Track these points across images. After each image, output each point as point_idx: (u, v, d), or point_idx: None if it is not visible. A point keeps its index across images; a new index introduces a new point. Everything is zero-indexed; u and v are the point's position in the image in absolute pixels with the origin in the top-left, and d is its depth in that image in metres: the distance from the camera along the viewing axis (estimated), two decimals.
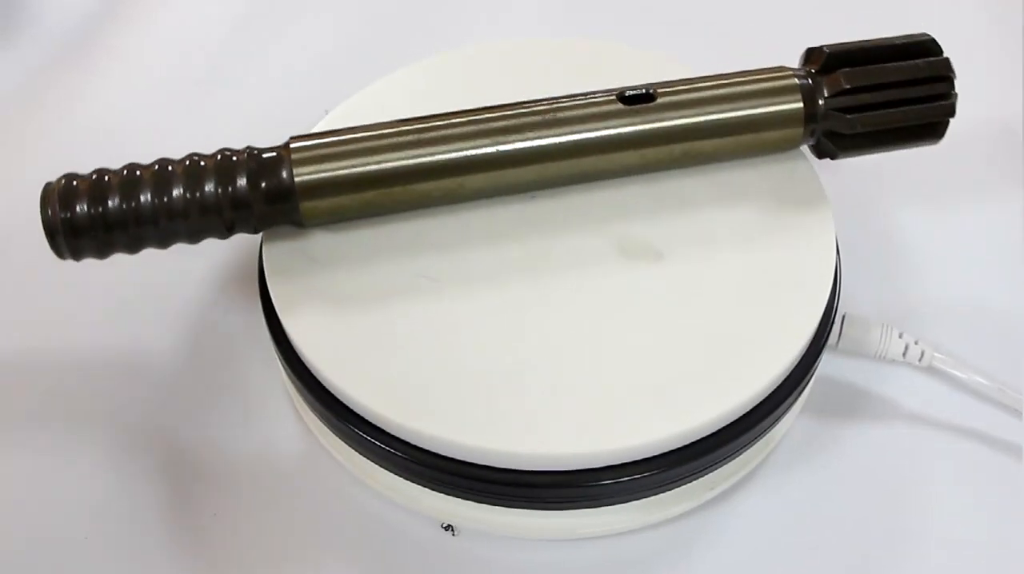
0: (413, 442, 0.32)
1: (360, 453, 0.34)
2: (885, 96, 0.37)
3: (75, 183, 0.34)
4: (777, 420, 0.35)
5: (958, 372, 0.39)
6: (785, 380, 0.34)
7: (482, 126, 0.35)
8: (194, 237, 0.35)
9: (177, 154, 0.49)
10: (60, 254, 0.34)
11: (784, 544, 0.36)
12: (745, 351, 0.34)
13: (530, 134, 0.36)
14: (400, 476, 0.34)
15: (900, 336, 0.39)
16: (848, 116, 0.37)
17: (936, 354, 0.39)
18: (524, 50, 0.45)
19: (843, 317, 0.39)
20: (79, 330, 0.42)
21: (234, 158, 0.35)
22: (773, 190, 0.38)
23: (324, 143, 0.35)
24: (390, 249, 0.36)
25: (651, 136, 0.36)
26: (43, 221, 0.33)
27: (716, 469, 0.34)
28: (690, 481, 0.34)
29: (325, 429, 0.35)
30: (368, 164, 0.35)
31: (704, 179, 0.38)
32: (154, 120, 0.52)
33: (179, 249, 0.45)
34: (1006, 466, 0.38)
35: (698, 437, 0.32)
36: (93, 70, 0.55)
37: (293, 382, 0.35)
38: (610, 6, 0.58)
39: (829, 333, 0.36)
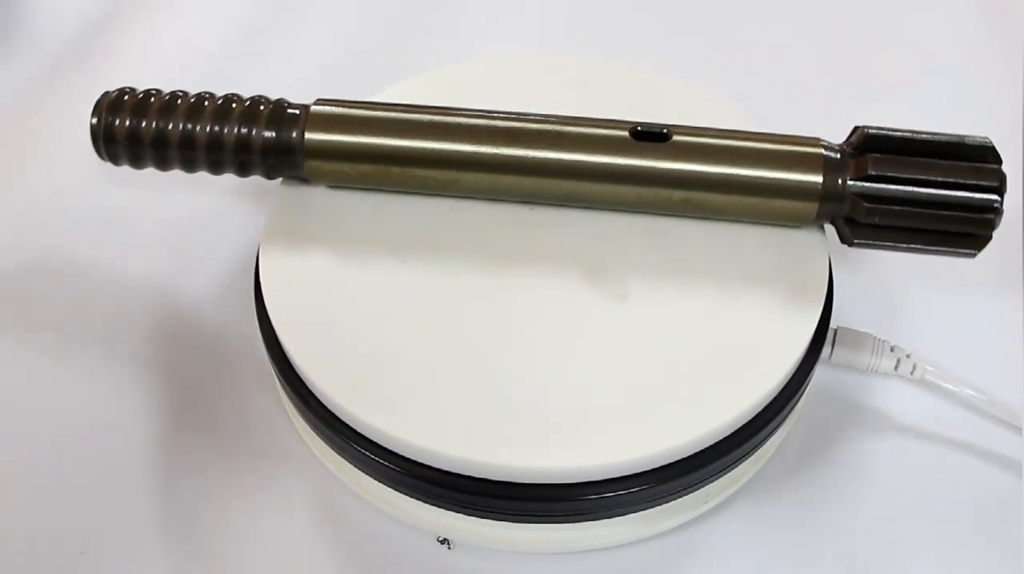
0: (407, 455, 0.32)
1: (355, 466, 0.34)
2: (916, 193, 0.34)
3: (125, 97, 0.38)
4: (771, 434, 0.35)
5: (949, 385, 0.39)
6: (779, 394, 0.34)
7: (488, 128, 0.36)
8: (214, 168, 0.38)
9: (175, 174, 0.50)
10: (100, 156, 0.38)
11: (778, 557, 0.36)
12: (739, 365, 0.34)
13: (532, 146, 0.36)
14: (395, 489, 0.34)
15: (892, 350, 0.39)
16: (866, 204, 0.34)
17: (928, 367, 0.39)
18: (535, 65, 0.45)
19: (835, 331, 0.39)
20: (69, 344, 0.42)
21: (261, 107, 0.37)
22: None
23: (341, 111, 0.37)
24: (389, 243, 0.37)
25: (652, 176, 0.35)
26: (90, 124, 0.38)
27: (710, 482, 0.34)
28: (684, 494, 0.34)
29: (320, 443, 0.35)
30: (372, 140, 0.36)
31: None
32: None
33: (174, 255, 0.45)
34: (998, 478, 0.38)
35: (693, 451, 0.33)
36: (94, 75, 0.54)
37: (287, 393, 0.35)
38: (616, 17, 0.58)
39: (821, 347, 0.36)
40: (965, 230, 0.35)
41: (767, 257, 0.36)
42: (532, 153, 0.36)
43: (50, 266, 0.45)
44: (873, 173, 0.34)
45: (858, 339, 0.39)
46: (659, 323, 0.35)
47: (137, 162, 0.38)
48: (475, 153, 0.36)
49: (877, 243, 0.36)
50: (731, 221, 0.37)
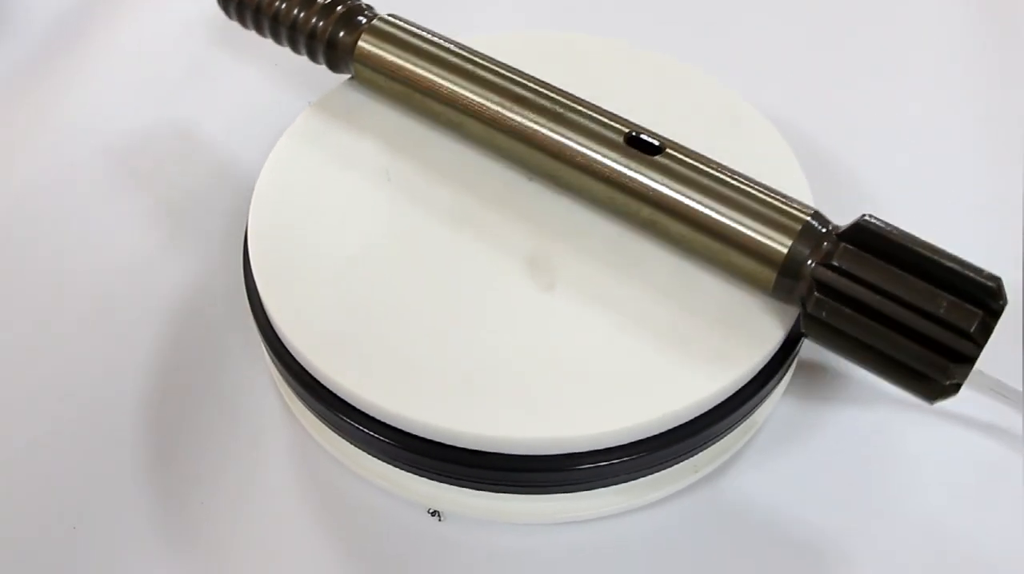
0: (396, 426, 0.32)
1: (345, 438, 0.34)
2: (872, 302, 0.30)
3: None
4: (760, 403, 0.35)
5: None
6: (767, 363, 0.34)
7: (502, 86, 0.37)
8: (293, 47, 0.42)
9: (163, 150, 0.50)
10: (226, 12, 0.44)
11: (768, 526, 0.36)
12: (729, 334, 0.34)
13: (531, 116, 0.36)
14: (385, 461, 0.34)
15: None
16: (817, 294, 0.31)
17: None
18: (522, 42, 0.45)
19: None
20: (61, 324, 0.42)
21: (339, 7, 0.41)
22: (747, 170, 0.39)
23: (396, 32, 0.40)
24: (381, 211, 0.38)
25: (625, 185, 0.35)
26: None
27: (700, 452, 0.34)
28: (674, 464, 0.34)
29: (310, 415, 0.36)
30: (406, 65, 0.39)
31: None
32: (139, 115, 0.52)
33: (163, 237, 0.45)
34: (987, 448, 0.38)
35: (682, 421, 0.33)
36: (77, 66, 0.54)
37: (277, 367, 0.35)
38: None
39: None
40: (918, 367, 0.30)
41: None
42: (527, 123, 0.37)
43: (37, 245, 0.45)
44: (836, 264, 0.31)
45: None
46: (647, 293, 0.35)
47: (244, 22, 0.43)
48: (480, 104, 0.37)
49: (827, 344, 0.32)
50: (695, 256, 0.35)
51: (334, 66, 0.42)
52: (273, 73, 0.54)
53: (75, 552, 0.35)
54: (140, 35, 0.57)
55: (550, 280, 0.35)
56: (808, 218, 0.32)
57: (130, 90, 0.53)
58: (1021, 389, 0.38)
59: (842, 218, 0.45)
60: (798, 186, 0.38)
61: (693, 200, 0.33)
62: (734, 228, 0.33)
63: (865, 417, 0.39)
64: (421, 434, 0.32)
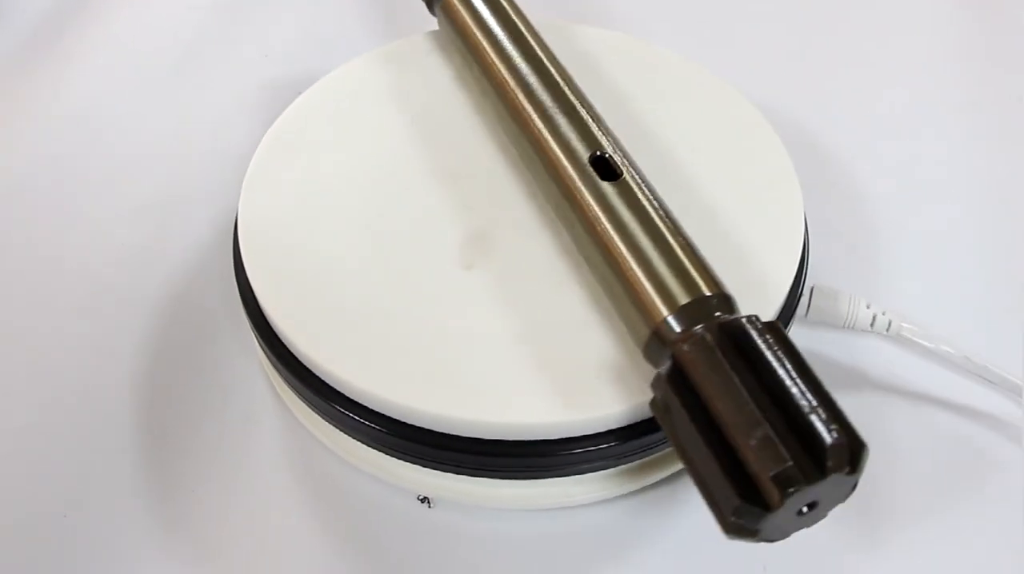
0: (385, 413, 0.32)
1: (335, 426, 0.34)
2: (700, 406, 0.27)
3: None
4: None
5: (925, 341, 0.39)
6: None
7: (523, 75, 0.38)
8: None
9: (154, 137, 0.50)
10: None
11: None
12: None
13: (527, 105, 0.37)
14: (374, 448, 0.34)
15: (868, 306, 0.40)
16: (658, 370, 0.29)
17: (904, 324, 0.40)
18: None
19: (812, 288, 0.39)
20: (54, 313, 0.42)
21: None
22: (740, 164, 0.39)
23: None
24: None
25: (572, 197, 0.34)
26: None
27: None
28: (662, 450, 0.34)
29: (301, 404, 0.36)
30: (466, 26, 0.41)
31: (664, 153, 0.39)
32: (130, 106, 0.52)
33: (155, 227, 0.45)
34: (973, 433, 0.38)
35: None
36: (67, 57, 0.54)
37: (268, 356, 0.36)
38: None
39: (798, 304, 0.37)
40: (711, 490, 0.27)
41: (733, 157, 0.38)
42: (522, 110, 0.37)
43: (30, 235, 0.46)
44: (686, 349, 0.28)
45: (834, 296, 0.39)
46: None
47: None
48: (500, 82, 0.39)
49: (664, 428, 0.29)
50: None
51: (431, 9, 0.44)
52: (262, 64, 0.54)
53: (67, 539, 0.35)
54: (132, 27, 0.57)
55: (470, 262, 0.35)
56: (706, 294, 0.30)
57: (120, 81, 0.53)
58: (1015, 378, 0.38)
59: (835, 211, 0.45)
60: (786, 175, 0.38)
61: (618, 234, 0.32)
62: (636, 275, 0.31)
63: (850, 401, 0.39)
64: (408, 421, 0.32)
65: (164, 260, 0.44)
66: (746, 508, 0.25)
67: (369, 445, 0.34)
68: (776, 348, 0.27)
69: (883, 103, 0.52)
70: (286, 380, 0.35)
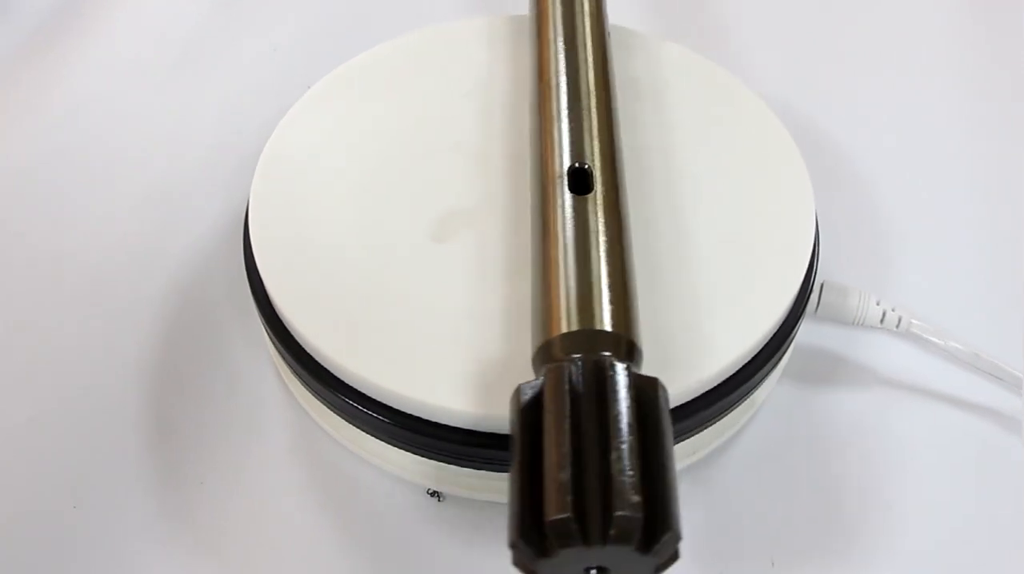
0: (394, 405, 0.32)
1: (344, 418, 0.34)
2: (535, 435, 0.26)
3: None
4: (757, 385, 0.35)
5: (934, 338, 0.39)
6: (765, 345, 0.34)
7: (561, 67, 0.38)
8: None
9: (162, 130, 0.50)
10: None
11: (764, 506, 0.36)
12: (727, 317, 0.34)
13: (543, 95, 0.37)
14: (383, 440, 0.34)
15: (877, 303, 0.40)
16: (520, 385, 0.28)
17: (913, 320, 0.40)
18: (512, 26, 0.45)
19: (822, 284, 0.39)
20: (61, 306, 0.42)
21: None
22: (751, 160, 0.39)
23: None
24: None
25: (539, 195, 0.34)
26: None
27: (698, 433, 0.35)
28: (673, 445, 0.34)
29: (310, 397, 0.36)
30: (542, 13, 0.41)
31: (675, 149, 0.39)
32: (137, 99, 0.52)
33: (163, 220, 0.45)
34: (981, 429, 0.38)
35: (680, 402, 0.33)
36: (72, 50, 0.54)
37: (277, 349, 0.36)
38: None
39: (808, 300, 0.37)
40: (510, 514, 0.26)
41: (743, 155, 0.38)
42: (543, 105, 0.37)
43: (39, 228, 0.45)
44: (543, 375, 0.28)
45: (844, 292, 0.39)
46: (649, 276, 0.35)
47: None
48: (539, 75, 0.38)
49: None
50: None
51: None
52: (273, 57, 0.54)
53: (76, 529, 0.35)
54: (139, 20, 0.57)
55: (441, 235, 0.35)
56: (598, 328, 0.29)
57: (127, 75, 0.53)
58: (1019, 372, 0.38)
59: (846, 208, 0.45)
60: (796, 171, 0.38)
61: (558, 245, 0.32)
62: (553, 289, 0.31)
63: (862, 400, 0.39)
64: (418, 413, 0.32)
65: (172, 253, 0.44)
66: (523, 544, 0.24)
67: (378, 437, 0.34)
68: (627, 405, 0.26)
69: (894, 100, 0.52)
70: (294, 371, 0.35)
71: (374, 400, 0.33)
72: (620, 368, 0.27)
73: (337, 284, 0.35)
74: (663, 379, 0.32)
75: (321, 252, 0.36)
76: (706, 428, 0.35)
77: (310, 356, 0.34)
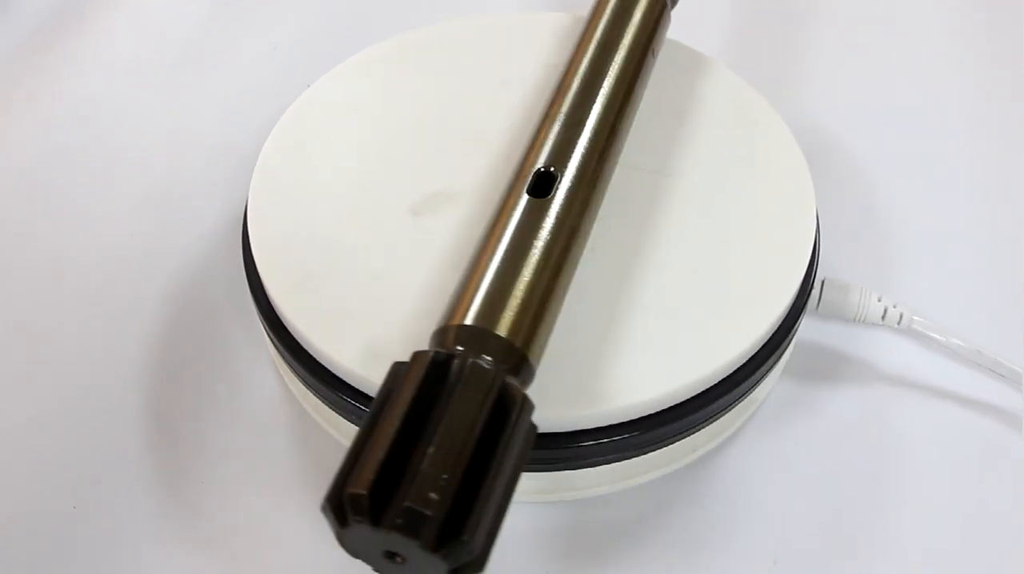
0: None
1: (343, 416, 0.34)
2: (384, 409, 0.27)
3: None
4: (759, 382, 0.35)
5: (936, 334, 0.39)
6: (766, 342, 0.34)
7: (573, 66, 0.38)
8: None
9: (162, 130, 0.50)
10: None
11: (765, 504, 0.36)
12: (727, 314, 0.34)
13: (551, 101, 0.37)
14: None
15: (879, 299, 0.39)
16: (397, 362, 0.28)
17: (914, 317, 0.40)
18: (510, 24, 0.45)
19: (823, 281, 0.39)
20: (62, 306, 0.42)
21: None
22: (752, 158, 0.39)
23: None
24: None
25: (507, 190, 0.34)
26: None
27: (699, 431, 0.35)
28: (673, 443, 0.34)
29: (310, 395, 0.36)
30: (594, 13, 0.40)
31: (675, 144, 0.39)
32: (137, 99, 0.52)
33: (163, 220, 0.45)
34: (983, 426, 0.38)
35: (681, 399, 0.33)
36: (73, 50, 0.54)
37: (277, 348, 0.36)
38: None
39: (809, 296, 0.37)
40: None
41: (745, 154, 0.38)
42: (552, 102, 0.37)
43: (39, 229, 0.45)
44: (410, 359, 0.28)
45: (845, 289, 0.39)
46: (649, 273, 0.35)
47: None
48: (565, 69, 0.38)
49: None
50: None
51: None
52: (272, 56, 0.54)
53: (76, 530, 0.35)
54: (138, 20, 0.57)
55: (422, 210, 0.36)
56: (489, 329, 0.29)
57: (126, 75, 0.53)
58: (1020, 369, 0.38)
59: (847, 205, 0.45)
60: (797, 168, 0.38)
61: (499, 239, 0.32)
62: (472, 277, 0.31)
63: (863, 397, 0.39)
64: None
65: (172, 252, 0.44)
66: (328, 510, 0.25)
67: None
68: (475, 409, 0.26)
69: (895, 98, 0.52)
70: (294, 370, 0.35)
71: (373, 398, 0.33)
72: (489, 373, 0.27)
73: (336, 282, 0.35)
74: (665, 374, 0.32)
75: (320, 250, 0.36)
76: (707, 425, 0.35)
77: (309, 354, 0.34)
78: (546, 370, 0.32)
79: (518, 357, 0.29)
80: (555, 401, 0.32)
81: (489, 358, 0.28)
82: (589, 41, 0.38)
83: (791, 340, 0.36)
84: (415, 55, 0.43)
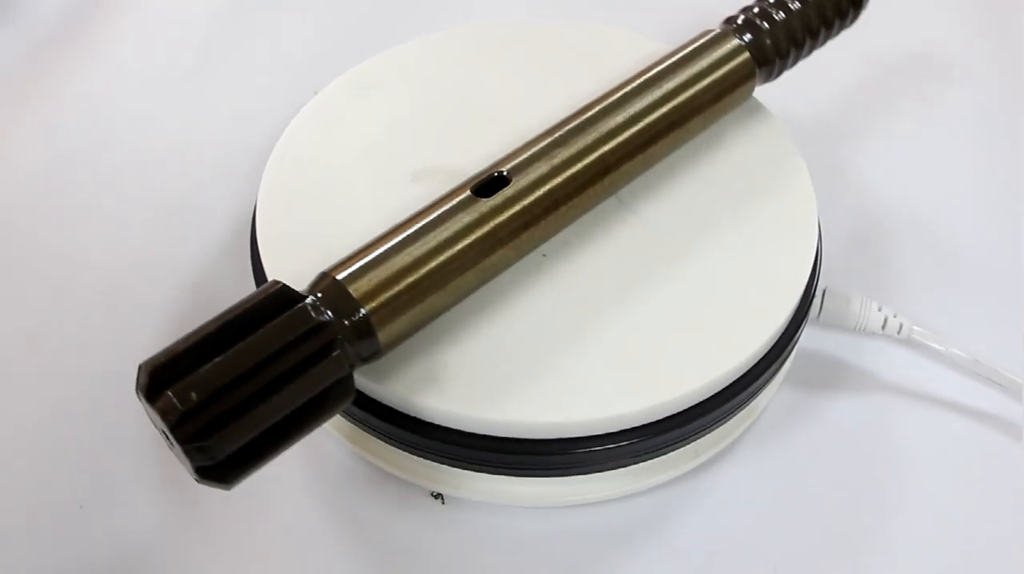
0: (398, 408, 0.33)
1: (346, 419, 0.35)
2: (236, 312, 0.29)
3: None
4: (760, 390, 0.36)
5: (936, 344, 0.40)
6: (768, 351, 0.35)
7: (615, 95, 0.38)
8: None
9: (171, 137, 0.50)
10: None
11: (765, 512, 0.37)
12: (729, 323, 0.34)
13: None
14: (389, 443, 0.34)
15: (879, 309, 0.40)
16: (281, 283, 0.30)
17: (915, 327, 0.40)
18: (511, 31, 0.46)
19: (824, 291, 0.40)
20: (72, 311, 0.43)
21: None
22: (752, 167, 0.39)
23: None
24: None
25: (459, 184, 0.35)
26: None
27: (700, 438, 0.35)
28: (675, 449, 0.34)
29: None
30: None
31: (679, 154, 0.39)
32: (146, 106, 0.52)
33: (172, 226, 0.46)
34: (982, 436, 0.39)
35: (683, 407, 0.33)
36: (82, 57, 0.55)
37: None
38: None
39: (810, 306, 0.37)
40: None
41: (746, 163, 0.38)
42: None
43: (48, 234, 0.46)
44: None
45: (846, 298, 0.40)
46: (653, 280, 0.35)
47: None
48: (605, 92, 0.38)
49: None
50: None
51: None
52: (280, 64, 0.54)
53: (82, 530, 0.36)
54: (147, 27, 0.57)
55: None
56: (354, 295, 0.30)
57: (136, 81, 0.53)
58: (1019, 378, 0.39)
59: (848, 215, 0.45)
60: (799, 177, 0.38)
61: (419, 218, 0.33)
62: (380, 242, 0.32)
63: (863, 406, 0.39)
64: (423, 418, 0.32)
65: (181, 259, 0.44)
66: (141, 374, 0.28)
67: (383, 441, 0.34)
68: (268, 332, 0.28)
69: (896, 107, 0.52)
70: None
71: (377, 402, 0.33)
72: (310, 319, 0.29)
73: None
74: (667, 382, 0.32)
75: (329, 254, 0.36)
76: (708, 433, 0.35)
77: None
78: (549, 377, 0.32)
79: (362, 323, 0.30)
80: (558, 407, 0.32)
81: (330, 313, 0.30)
82: (640, 77, 0.38)
83: (792, 349, 0.36)
84: (422, 63, 0.43)
